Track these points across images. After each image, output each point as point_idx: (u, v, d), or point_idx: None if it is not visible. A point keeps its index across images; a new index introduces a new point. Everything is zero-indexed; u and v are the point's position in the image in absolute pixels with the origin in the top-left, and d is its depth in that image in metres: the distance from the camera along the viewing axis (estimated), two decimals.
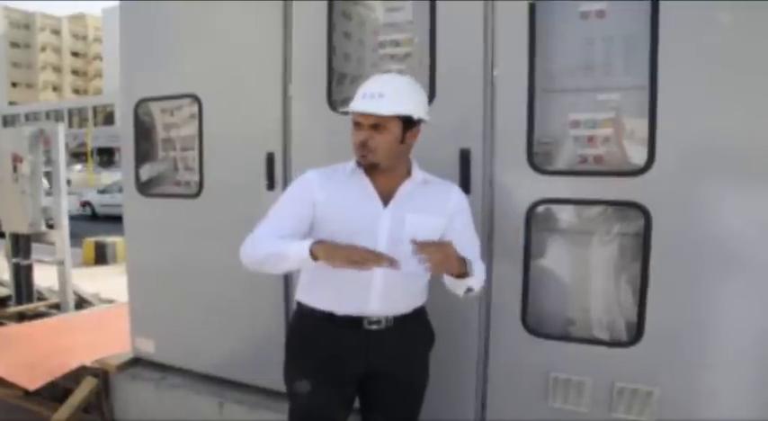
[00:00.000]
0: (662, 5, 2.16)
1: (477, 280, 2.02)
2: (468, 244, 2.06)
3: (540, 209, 2.45)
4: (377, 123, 1.96)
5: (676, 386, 2.27)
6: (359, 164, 2.05)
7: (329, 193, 2.04)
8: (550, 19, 2.39)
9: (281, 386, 2.93)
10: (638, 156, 2.29)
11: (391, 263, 1.82)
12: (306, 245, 1.87)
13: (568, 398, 2.43)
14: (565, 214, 2.50)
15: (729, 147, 2.15)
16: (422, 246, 1.82)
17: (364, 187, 2.06)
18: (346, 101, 2.82)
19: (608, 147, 2.37)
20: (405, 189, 2.06)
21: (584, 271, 2.50)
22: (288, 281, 2.97)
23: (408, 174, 2.09)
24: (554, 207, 2.48)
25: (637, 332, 2.31)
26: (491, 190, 2.49)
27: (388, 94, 1.95)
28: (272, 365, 2.99)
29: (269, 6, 2.93)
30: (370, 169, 2.03)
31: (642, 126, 2.24)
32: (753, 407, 2.19)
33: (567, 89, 2.45)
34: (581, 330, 2.49)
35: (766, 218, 2.13)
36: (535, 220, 2.44)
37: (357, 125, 2.00)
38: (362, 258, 1.82)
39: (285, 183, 2.90)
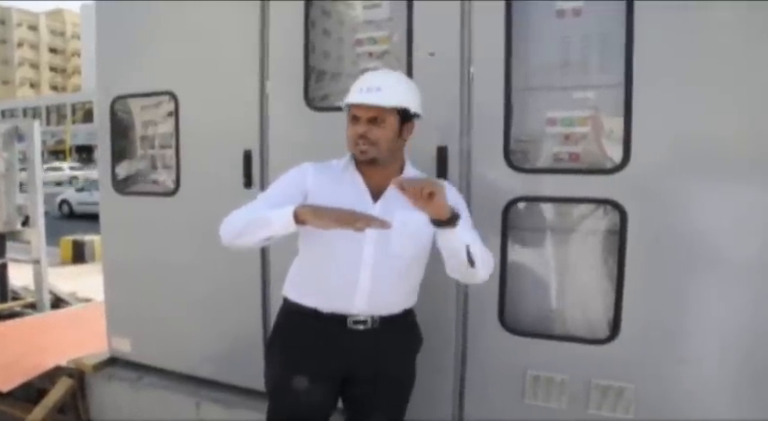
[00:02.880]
0: (637, 4, 2.17)
1: (474, 244, 1.90)
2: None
3: (518, 206, 2.45)
4: (375, 116, 1.96)
5: (652, 383, 2.29)
6: (353, 158, 2.05)
7: (321, 186, 2.03)
8: (527, 17, 2.40)
9: (258, 385, 2.92)
10: (615, 153, 2.30)
11: (383, 224, 1.78)
12: (290, 207, 1.83)
13: (546, 395, 2.44)
14: (542, 212, 2.51)
15: (705, 144, 2.17)
16: (406, 183, 1.75)
17: (356, 183, 2.05)
18: (326, 97, 2.83)
19: (585, 144, 2.39)
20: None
21: (561, 268, 2.51)
22: (266, 279, 2.96)
23: (400, 171, 2.09)
24: (531, 204, 2.49)
25: (613, 329, 2.33)
26: (468, 187, 2.49)
27: (385, 87, 1.96)
28: (250, 364, 2.99)
29: (246, 3, 2.91)
30: (368, 164, 2.02)
31: (619, 124, 2.26)
32: (728, 403, 2.21)
33: (544, 87, 2.46)
34: (558, 327, 2.50)
35: (741, 215, 2.15)
36: (512, 218, 2.45)
37: (355, 119, 1.99)
38: (353, 219, 1.77)
39: (262, 181, 2.89)
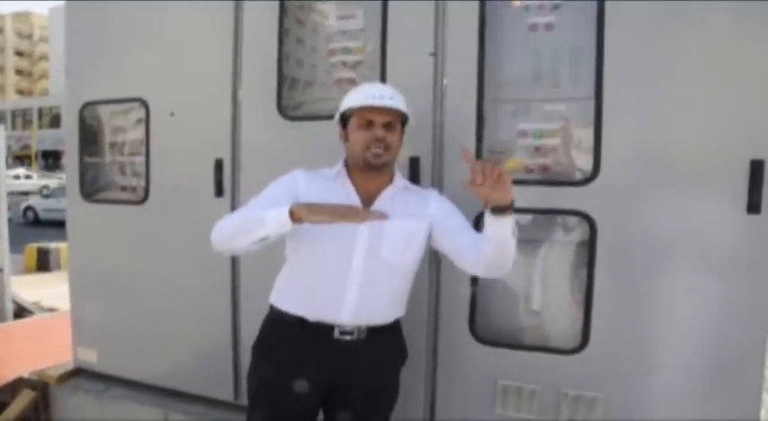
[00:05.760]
0: (607, 18, 2.22)
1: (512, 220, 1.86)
2: (469, 232, 2.04)
3: None
4: (389, 122, 1.99)
5: (622, 392, 2.32)
6: (345, 166, 2.06)
7: (312, 194, 2.00)
8: (500, 30, 2.43)
9: (227, 396, 2.90)
10: (585, 165, 2.34)
11: (381, 216, 1.78)
12: (285, 208, 1.79)
13: (516, 405, 2.45)
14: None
15: (674, 156, 2.21)
16: (475, 165, 1.72)
17: (347, 191, 2.05)
18: (299, 106, 2.82)
19: (556, 156, 2.42)
20: (386, 194, 2.06)
21: (532, 279, 2.53)
22: (236, 290, 2.93)
23: (391, 179, 2.09)
24: None
25: (582, 339, 2.35)
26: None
27: (395, 95, 2.01)
28: (219, 375, 2.96)
29: (219, 9, 2.89)
30: (364, 171, 2.03)
31: (589, 135, 2.29)
32: (696, 412, 2.24)
33: (516, 99, 2.49)
34: (528, 338, 2.52)
35: (707, 226, 2.19)
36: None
37: (369, 124, 1.99)
38: (350, 213, 1.78)
39: (233, 190, 2.86)
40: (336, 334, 2.01)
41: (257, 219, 1.84)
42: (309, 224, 1.81)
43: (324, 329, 2.01)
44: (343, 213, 1.77)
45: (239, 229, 1.89)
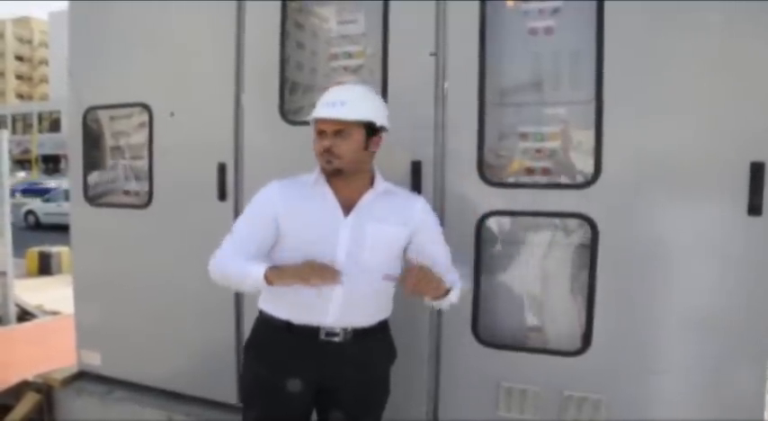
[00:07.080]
0: (606, 21, 2.23)
1: (454, 293, 2.09)
2: (437, 256, 2.10)
3: (491, 220, 2.49)
4: (340, 130, 1.99)
5: (623, 393, 2.33)
6: (322, 171, 2.06)
7: (291, 204, 2.04)
8: (500, 34, 2.45)
9: (229, 399, 2.90)
10: (586, 168, 2.35)
11: (334, 278, 1.91)
12: (261, 270, 1.93)
13: (519, 407, 2.46)
14: (515, 225, 2.55)
15: (674, 158, 2.22)
16: (403, 278, 1.95)
17: (326, 197, 2.06)
18: (299, 111, 2.84)
19: (556, 159, 2.43)
20: (366, 199, 2.07)
21: (534, 281, 2.55)
22: (239, 293, 2.92)
23: (371, 184, 2.10)
24: (504, 218, 2.52)
25: (585, 341, 2.36)
26: (442, 202, 2.51)
27: (349, 101, 1.99)
28: (221, 378, 2.97)
29: (222, 10, 2.91)
30: (334, 175, 2.04)
31: (589, 137, 2.31)
32: (697, 413, 2.25)
33: (517, 103, 2.50)
34: (531, 340, 2.54)
35: (706, 228, 2.20)
36: (485, 232, 2.48)
37: (321, 133, 2.02)
38: (310, 275, 1.88)
39: (237, 194, 2.88)
40: (323, 336, 2.04)
41: (242, 276, 1.99)
42: (290, 240, 2.04)
43: (310, 332, 2.04)
44: (309, 275, 1.89)
45: (230, 282, 2.06)
